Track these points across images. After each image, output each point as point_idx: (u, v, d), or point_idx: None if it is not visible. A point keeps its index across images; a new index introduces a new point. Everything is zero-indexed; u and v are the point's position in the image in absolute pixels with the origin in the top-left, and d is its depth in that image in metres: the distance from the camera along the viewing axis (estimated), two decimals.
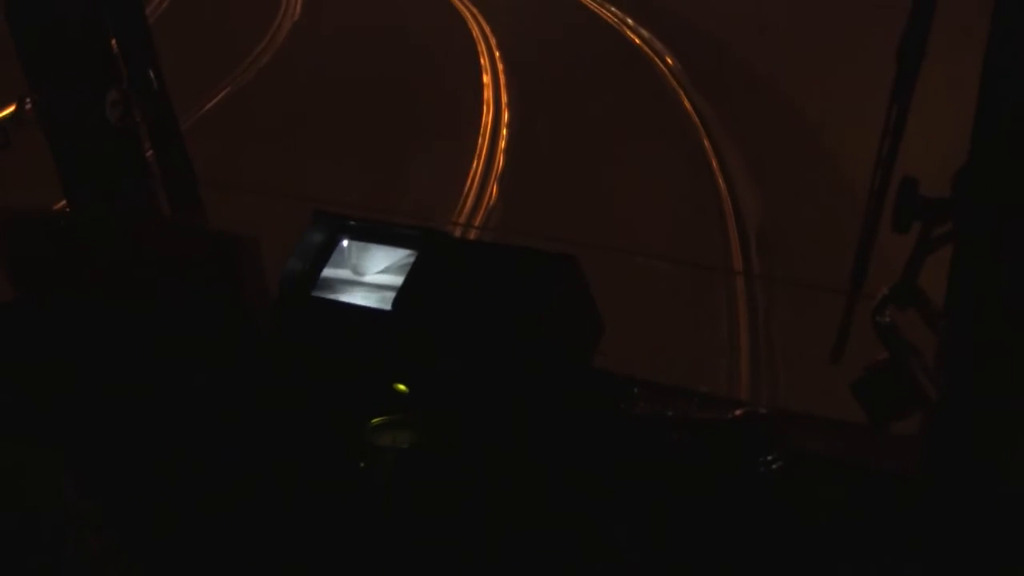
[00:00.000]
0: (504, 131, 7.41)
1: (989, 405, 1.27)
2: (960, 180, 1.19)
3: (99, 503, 1.26)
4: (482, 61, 9.17)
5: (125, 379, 1.55)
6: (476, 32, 10.18)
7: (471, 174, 6.52)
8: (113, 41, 1.88)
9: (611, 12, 11.03)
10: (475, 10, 10.85)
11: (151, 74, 1.89)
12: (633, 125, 7.36)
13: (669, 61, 8.97)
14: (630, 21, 10.54)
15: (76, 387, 1.54)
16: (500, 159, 6.80)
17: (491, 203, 6.11)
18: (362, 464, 1.38)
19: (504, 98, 8.13)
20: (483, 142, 7.15)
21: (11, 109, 1.85)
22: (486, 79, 8.64)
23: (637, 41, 9.83)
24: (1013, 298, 1.21)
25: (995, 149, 1.16)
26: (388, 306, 1.57)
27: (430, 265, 1.60)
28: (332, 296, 1.63)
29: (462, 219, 5.87)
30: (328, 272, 1.66)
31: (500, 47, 9.49)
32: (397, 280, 1.60)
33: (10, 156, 1.89)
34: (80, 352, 1.57)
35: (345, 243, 1.68)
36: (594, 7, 11.26)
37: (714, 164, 6.63)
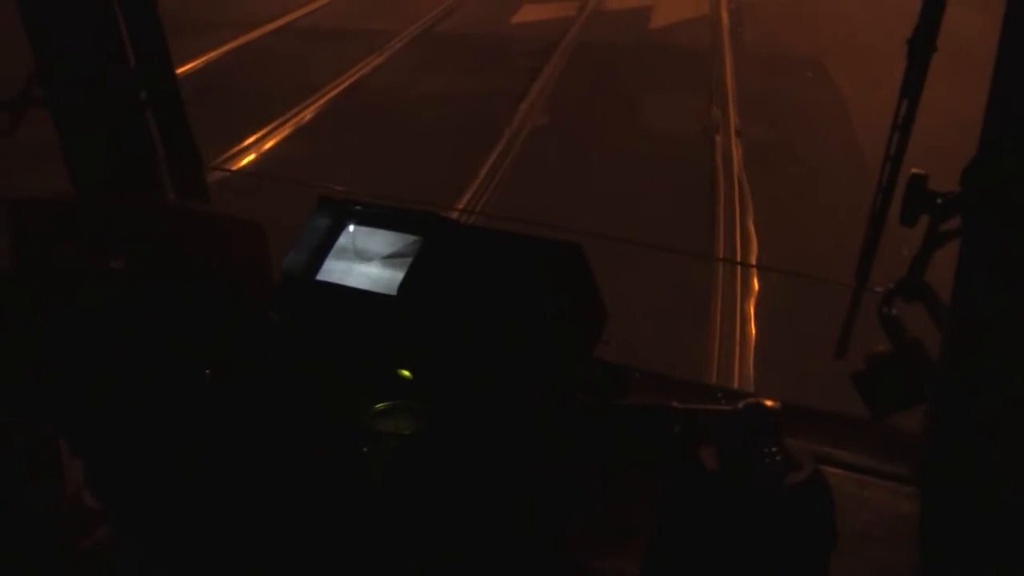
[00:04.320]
0: None
1: (992, 401, 1.27)
2: (969, 175, 1.19)
3: (95, 479, 1.27)
4: None
5: (126, 362, 1.55)
6: None
7: None
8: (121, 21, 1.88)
9: None
10: None
11: (158, 55, 1.89)
12: None
13: None
14: None
15: (76, 368, 1.54)
16: None
17: None
18: (364, 450, 1.39)
19: None
20: None
21: (18, 90, 1.85)
22: None
23: None
24: (1020, 294, 1.20)
25: (1005, 144, 1.15)
26: (393, 291, 1.57)
27: (436, 251, 1.60)
28: (336, 281, 1.63)
29: None
30: (333, 257, 1.66)
31: None
32: (403, 266, 1.60)
33: (16, 138, 1.90)
34: (81, 334, 1.57)
35: (351, 228, 1.68)
36: None
37: None
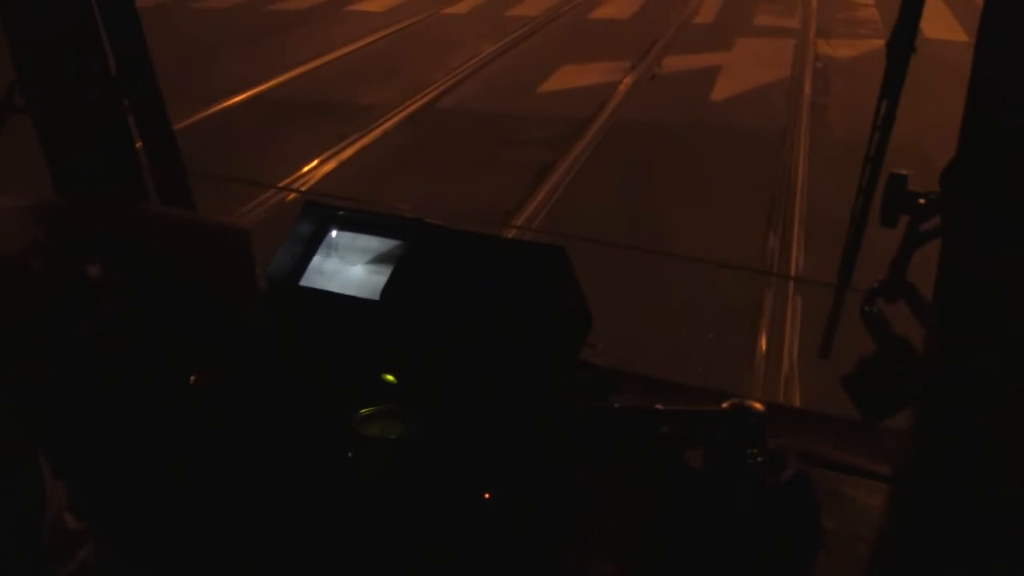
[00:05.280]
0: None
1: (976, 400, 1.27)
2: (948, 176, 1.19)
3: (79, 488, 1.26)
4: None
5: (111, 369, 1.54)
6: None
7: None
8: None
9: None
10: None
11: (139, 61, 1.88)
12: None
13: None
14: None
15: (62, 373, 1.53)
16: None
17: None
18: (350, 455, 1.38)
19: None
20: None
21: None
22: None
23: None
24: (999, 292, 1.21)
25: (984, 145, 1.16)
26: (376, 296, 1.57)
27: (419, 255, 1.60)
28: (320, 286, 1.63)
29: None
30: (317, 262, 1.66)
31: None
32: (386, 270, 1.60)
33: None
34: (66, 341, 1.56)
35: (335, 233, 1.68)
36: None
37: None
